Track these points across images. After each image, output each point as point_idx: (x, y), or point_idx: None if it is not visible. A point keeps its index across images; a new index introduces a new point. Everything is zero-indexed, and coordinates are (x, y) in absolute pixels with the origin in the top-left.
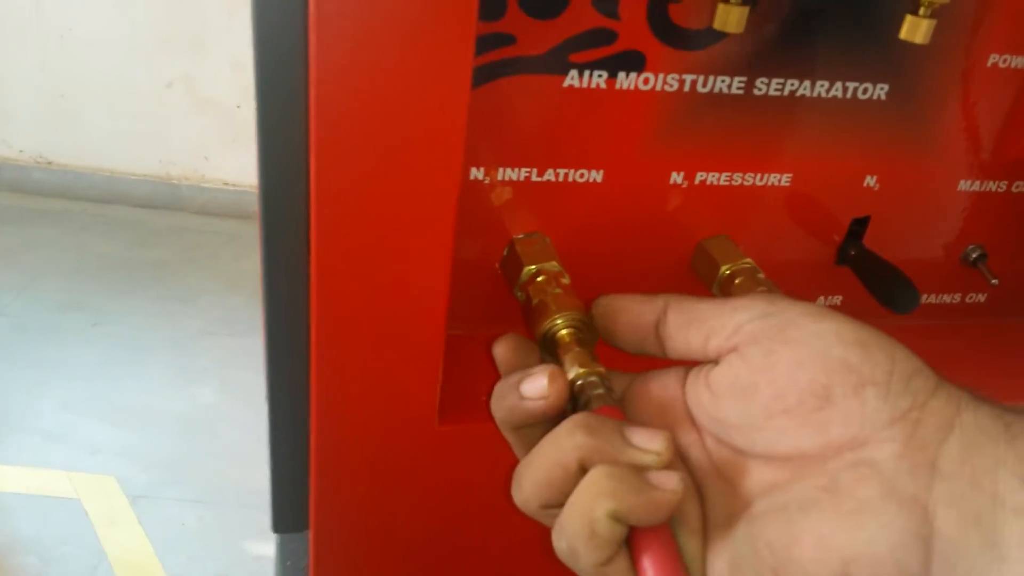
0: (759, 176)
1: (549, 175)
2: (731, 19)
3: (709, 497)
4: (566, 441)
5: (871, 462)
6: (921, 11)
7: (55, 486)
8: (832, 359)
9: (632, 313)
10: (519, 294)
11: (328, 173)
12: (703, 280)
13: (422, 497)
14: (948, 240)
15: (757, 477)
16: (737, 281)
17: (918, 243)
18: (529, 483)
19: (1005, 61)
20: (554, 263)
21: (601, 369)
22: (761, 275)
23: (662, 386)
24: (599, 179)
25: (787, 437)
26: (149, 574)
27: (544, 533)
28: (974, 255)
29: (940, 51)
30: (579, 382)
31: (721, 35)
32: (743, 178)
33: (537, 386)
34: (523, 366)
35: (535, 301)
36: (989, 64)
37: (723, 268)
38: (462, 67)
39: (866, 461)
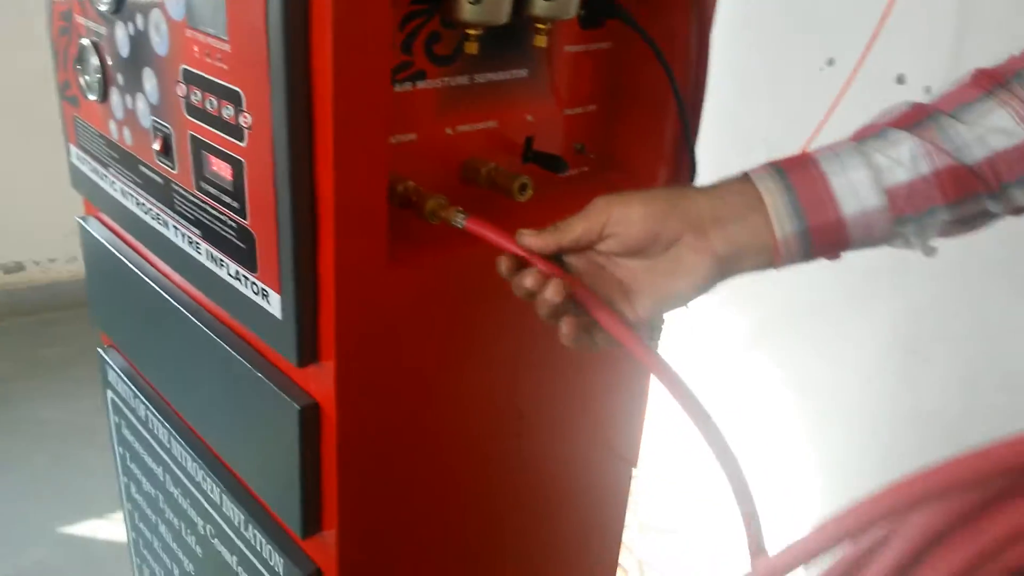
0: (484, 123)
1: (395, 140)
2: (471, 47)
3: (618, 281)
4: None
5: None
6: (541, 28)
7: None
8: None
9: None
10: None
11: None
12: (469, 178)
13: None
14: (568, 141)
15: (635, 267)
16: (484, 170)
17: (551, 145)
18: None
19: (574, 49)
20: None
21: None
22: (495, 166)
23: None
24: (415, 138)
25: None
26: None
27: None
28: (578, 147)
29: (549, 48)
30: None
31: (458, 56)
32: (476, 126)
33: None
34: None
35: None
36: (567, 51)
37: (481, 169)
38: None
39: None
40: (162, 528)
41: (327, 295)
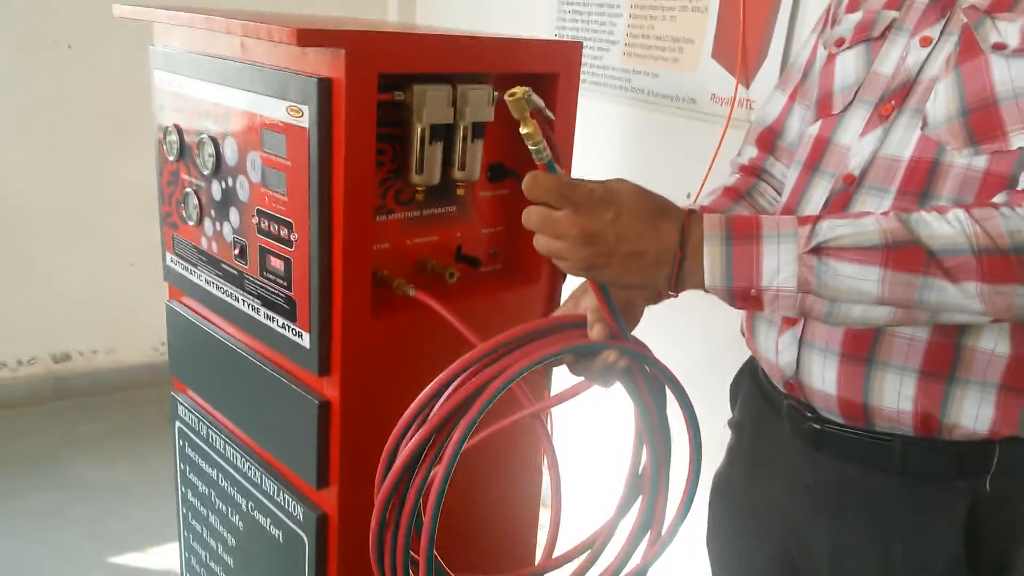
0: (430, 237)
1: (377, 247)
2: (420, 196)
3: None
4: None
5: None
6: (460, 185)
7: None
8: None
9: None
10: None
11: None
12: (420, 269)
13: None
14: (485, 248)
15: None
16: (429, 265)
17: (474, 251)
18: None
19: (485, 194)
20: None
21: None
22: (435, 262)
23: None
24: (388, 246)
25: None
26: None
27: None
28: (492, 252)
29: (467, 195)
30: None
31: (412, 200)
32: (425, 239)
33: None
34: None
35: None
36: (481, 195)
37: (428, 264)
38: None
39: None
40: (212, 518)
41: (336, 334)
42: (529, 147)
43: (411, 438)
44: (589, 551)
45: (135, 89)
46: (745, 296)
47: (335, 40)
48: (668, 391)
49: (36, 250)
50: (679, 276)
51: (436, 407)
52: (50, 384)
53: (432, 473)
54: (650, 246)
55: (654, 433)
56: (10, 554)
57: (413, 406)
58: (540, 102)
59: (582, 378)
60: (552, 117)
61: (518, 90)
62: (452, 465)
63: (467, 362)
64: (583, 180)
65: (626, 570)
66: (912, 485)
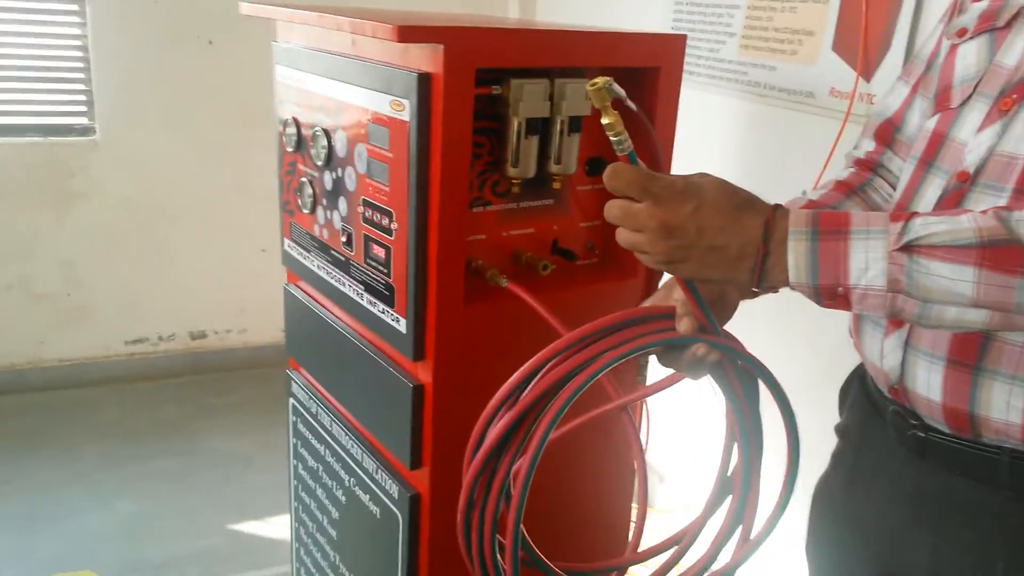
0: (526, 230)
1: (471, 238)
2: (516, 188)
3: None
4: None
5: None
6: (556, 178)
7: None
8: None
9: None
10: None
11: None
12: (515, 261)
13: None
14: (582, 242)
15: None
16: (523, 257)
17: (571, 244)
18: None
19: (583, 188)
20: None
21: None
22: (530, 255)
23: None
24: (484, 237)
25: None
26: None
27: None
28: (588, 246)
29: (564, 188)
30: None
31: (508, 192)
32: (520, 232)
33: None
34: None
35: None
36: (578, 189)
37: (522, 256)
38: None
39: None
40: (319, 491)
41: (431, 321)
42: (611, 138)
43: (499, 421)
44: (676, 547)
45: (266, 84)
46: (831, 294)
47: (434, 36)
48: (764, 388)
49: (176, 236)
50: (762, 271)
51: (525, 392)
52: (187, 359)
53: (520, 457)
54: (732, 240)
55: (745, 428)
56: (142, 512)
57: (503, 390)
58: (621, 92)
59: (672, 371)
60: (634, 108)
61: (599, 80)
62: (540, 449)
63: (556, 349)
64: (665, 173)
65: (713, 568)
66: (1019, 501)
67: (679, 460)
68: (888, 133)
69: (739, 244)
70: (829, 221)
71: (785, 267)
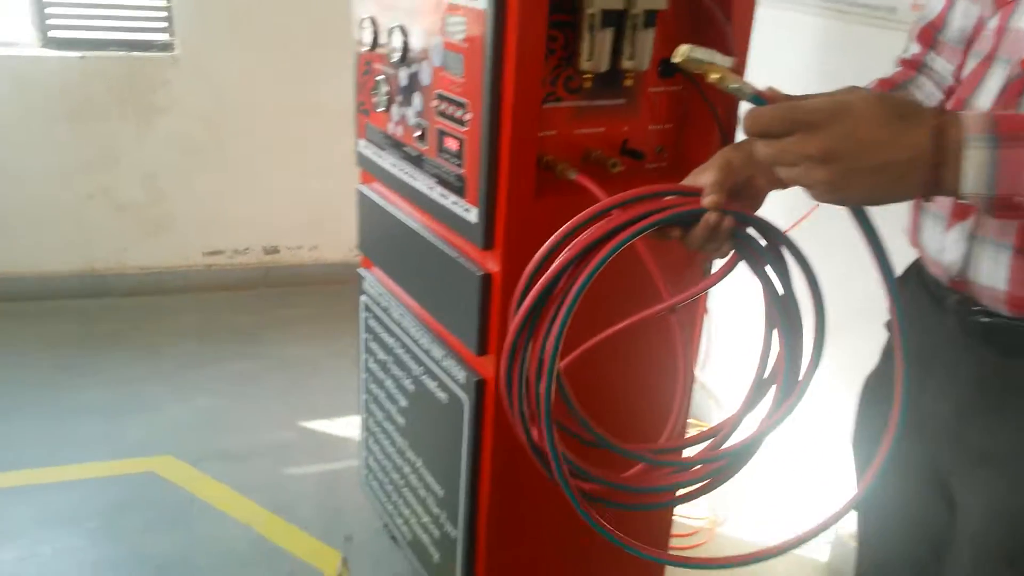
0: (596, 128)
1: (543, 133)
2: (588, 84)
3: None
4: None
5: None
6: (629, 75)
7: None
8: None
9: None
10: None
11: None
12: (585, 158)
13: None
14: (651, 145)
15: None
16: (593, 154)
17: (640, 146)
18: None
19: (655, 90)
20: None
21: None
22: (600, 152)
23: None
24: (555, 133)
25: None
26: None
27: None
28: (658, 149)
29: (637, 87)
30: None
31: (581, 89)
32: (591, 130)
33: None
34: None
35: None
36: (651, 91)
37: (592, 153)
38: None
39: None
40: (388, 382)
41: (501, 211)
42: (728, 90)
43: (542, 275)
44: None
45: (341, 4)
46: (1007, 204)
47: None
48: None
49: (253, 153)
50: (934, 185)
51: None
52: (260, 272)
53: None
54: (898, 155)
55: (775, 300)
56: (217, 407)
57: (541, 251)
58: (701, 53)
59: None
60: (714, 62)
61: (678, 53)
62: (575, 302)
63: (595, 211)
64: (806, 97)
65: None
66: None
67: (735, 388)
68: (930, 35)
69: (907, 157)
70: (1009, 125)
71: (959, 177)
